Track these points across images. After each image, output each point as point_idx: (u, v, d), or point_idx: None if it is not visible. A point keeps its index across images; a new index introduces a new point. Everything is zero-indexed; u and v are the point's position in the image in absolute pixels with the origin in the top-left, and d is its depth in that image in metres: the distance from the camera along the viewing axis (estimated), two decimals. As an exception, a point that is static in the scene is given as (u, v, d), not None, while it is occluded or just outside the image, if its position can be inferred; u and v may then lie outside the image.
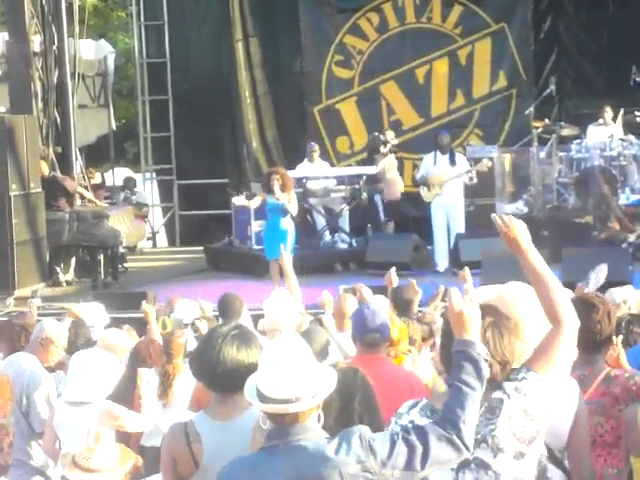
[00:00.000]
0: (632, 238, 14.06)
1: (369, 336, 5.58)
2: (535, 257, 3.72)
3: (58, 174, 15.10)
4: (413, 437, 3.33)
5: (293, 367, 3.36)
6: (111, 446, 4.19)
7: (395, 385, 4.98)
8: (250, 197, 15.90)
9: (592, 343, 4.69)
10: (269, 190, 12.91)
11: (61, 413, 6.02)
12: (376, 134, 16.37)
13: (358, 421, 3.76)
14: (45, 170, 14.77)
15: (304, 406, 3.35)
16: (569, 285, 11.05)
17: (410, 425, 3.43)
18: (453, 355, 3.43)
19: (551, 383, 3.57)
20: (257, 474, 3.32)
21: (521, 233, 3.74)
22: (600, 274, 9.45)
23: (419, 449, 3.32)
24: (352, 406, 3.77)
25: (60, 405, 6.08)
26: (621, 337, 5.22)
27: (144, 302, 9.54)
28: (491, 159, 15.05)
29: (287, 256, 8.59)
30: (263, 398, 3.37)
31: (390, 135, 16.43)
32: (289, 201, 12.86)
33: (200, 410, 4.34)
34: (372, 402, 3.86)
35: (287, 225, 12.91)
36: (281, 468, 3.31)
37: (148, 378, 7.17)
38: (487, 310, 3.60)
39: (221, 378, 4.09)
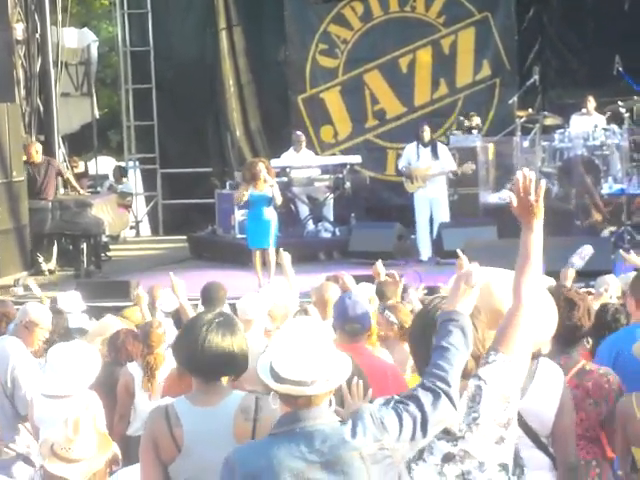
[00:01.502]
0: (614, 227, 14.12)
1: (350, 325, 5.61)
2: (538, 235, 3.61)
3: (53, 159, 15.06)
4: (412, 406, 3.35)
5: (311, 349, 3.34)
6: (90, 434, 4.17)
7: (373, 375, 4.99)
8: (234, 187, 15.92)
9: (571, 337, 4.74)
10: (253, 179, 12.88)
11: (41, 407, 6.01)
12: (461, 118, 16.13)
13: None
14: (38, 154, 14.68)
15: (320, 389, 3.34)
16: (552, 274, 11.16)
17: (404, 395, 3.43)
18: (440, 322, 3.45)
19: (519, 362, 3.58)
20: (276, 459, 3.28)
21: (541, 203, 3.55)
22: (584, 252, 9.48)
23: (419, 417, 3.34)
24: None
25: (39, 399, 6.07)
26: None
27: (140, 287, 9.50)
28: (474, 150, 15.06)
29: (286, 255, 8.63)
30: (278, 378, 3.35)
31: (476, 120, 16.09)
32: (274, 190, 12.86)
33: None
34: (365, 384, 3.91)
35: (270, 215, 12.90)
36: (301, 452, 3.29)
37: (133, 371, 7.17)
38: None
39: (205, 365, 4.08)
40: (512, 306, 3.62)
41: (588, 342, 5.36)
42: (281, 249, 9.02)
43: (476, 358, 3.56)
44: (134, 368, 7.18)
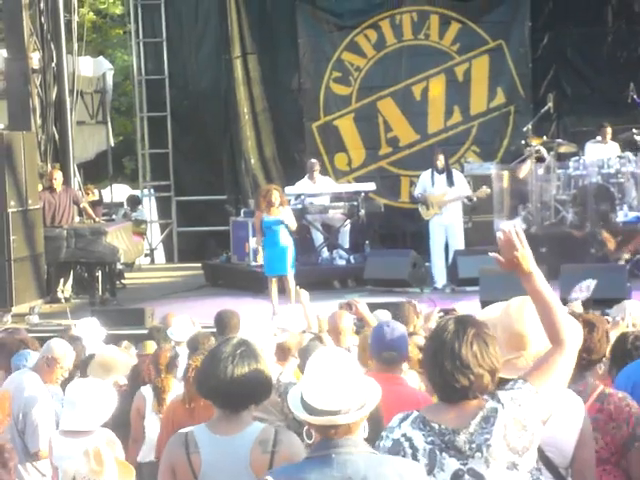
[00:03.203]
0: (629, 255, 14.08)
1: (387, 353, 5.53)
2: (539, 279, 3.66)
3: (69, 187, 15.14)
4: None
5: (341, 378, 3.33)
6: (112, 464, 4.16)
7: (406, 405, 4.96)
8: (249, 214, 15.94)
9: (587, 361, 4.73)
10: (266, 206, 12.90)
11: (59, 445, 5.98)
12: (522, 142, 15.80)
13: None
14: (58, 181, 14.75)
15: (353, 418, 3.33)
16: (567, 301, 11.13)
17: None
18: None
19: (546, 396, 3.56)
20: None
21: (528, 253, 3.62)
22: (584, 285, 9.46)
23: None
24: None
25: (57, 437, 6.05)
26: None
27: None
28: (489, 178, 15.03)
29: (304, 293, 8.65)
30: (311, 410, 3.33)
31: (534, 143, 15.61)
32: (288, 216, 12.88)
33: (174, 429, 4.32)
34: (376, 412, 3.89)
35: (286, 241, 12.91)
36: (332, 477, 3.28)
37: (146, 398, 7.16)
38: (469, 322, 3.60)
39: (232, 397, 4.07)
40: (552, 347, 3.61)
41: (600, 368, 5.33)
42: (300, 289, 8.99)
43: (492, 373, 3.54)
44: (147, 391, 7.19)
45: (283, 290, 12.80)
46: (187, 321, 9.27)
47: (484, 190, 14.66)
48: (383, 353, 5.53)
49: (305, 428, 3.40)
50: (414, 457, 3.53)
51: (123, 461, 4.45)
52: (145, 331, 10.27)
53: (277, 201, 12.84)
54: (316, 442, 3.38)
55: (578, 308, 7.89)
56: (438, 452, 3.51)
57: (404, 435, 3.56)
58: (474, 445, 3.48)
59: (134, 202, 19.76)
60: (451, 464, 3.50)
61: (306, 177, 15.86)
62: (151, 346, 8.40)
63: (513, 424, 3.50)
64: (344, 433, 3.34)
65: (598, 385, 4.76)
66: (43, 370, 6.91)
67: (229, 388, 4.05)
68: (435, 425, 3.54)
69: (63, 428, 5.97)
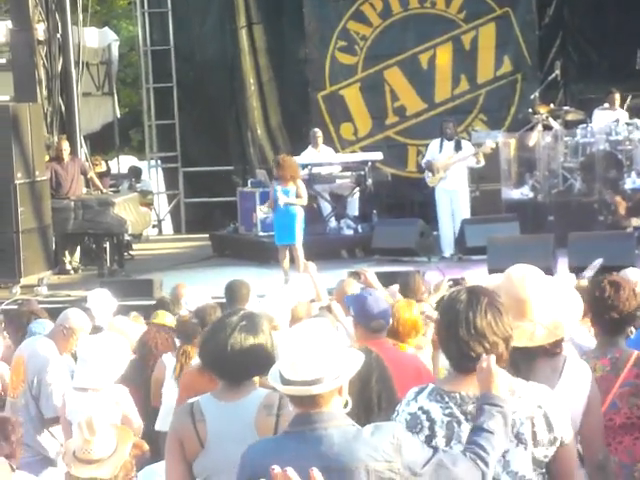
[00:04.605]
0: (637, 222, 14.05)
1: (376, 322, 5.64)
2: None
3: (77, 157, 15.15)
4: (447, 459, 3.32)
5: (314, 349, 3.31)
6: (107, 431, 4.18)
7: (402, 368, 5.01)
8: (256, 184, 15.95)
9: (618, 323, 4.73)
10: (278, 177, 12.91)
11: (71, 400, 6.04)
12: (529, 110, 15.54)
13: (376, 400, 3.82)
14: (66, 152, 14.76)
15: (326, 388, 3.30)
16: (575, 269, 11.12)
17: (444, 449, 3.40)
18: (482, 406, 3.42)
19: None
20: (282, 459, 3.23)
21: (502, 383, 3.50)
22: (595, 263, 9.54)
23: (446, 471, 3.30)
24: (370, 385, 3.82)
25: (70, 393, 6.10)
26: None
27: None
28: (496, 143, 14.96)
29: (312, 266, 8.68)
30: (284, 381, 3.33)
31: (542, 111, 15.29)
32: (299, 189, 12.86)
33: (189, 396, 4.34)
34: (389, 381, 3.92)
35: (296, 209, 12.90)
36: (307, 455, 3.25)
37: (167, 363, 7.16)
38: (481, 291, 3.61)
39: (232, 368, 4.09)
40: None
41: (631, 332, 5.31)
42: (307, 262, 9.00)
43: (505, 340, 3.54)
44: (168, 358, 7.18)
45: (292, 260, 12.81)
46: (201, 291, 9.30)
47: (489, 145, 14.51)
48: (372, 323, 5.65)
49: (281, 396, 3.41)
50: (431, 429, 3.53)
51: (121, 426, 4.47)
52: (154, 302, 10.29)
53: (287, 173, 12.82)
54: (294, 415, 3.36)
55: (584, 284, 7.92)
56: (456, 424, 3.52)
57: (421, 408, 3.56)
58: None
59: (136, 173, 19.75)
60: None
61: (310, 146, 15.84)
62: (163, 316, 8.43)
63: (541, 417, 3.53)
64: (317, 404, 3.30)
65: (634, 351, 4.75)
66: (59, 339, 6.94)
67: (229, 359, 4.06)
68: (456, 395, 3.54)
69: (75, 385, 6.02)
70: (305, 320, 3.96)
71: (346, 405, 3.36)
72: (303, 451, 3.27)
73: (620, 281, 4.88)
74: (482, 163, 14.60)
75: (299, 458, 3.21)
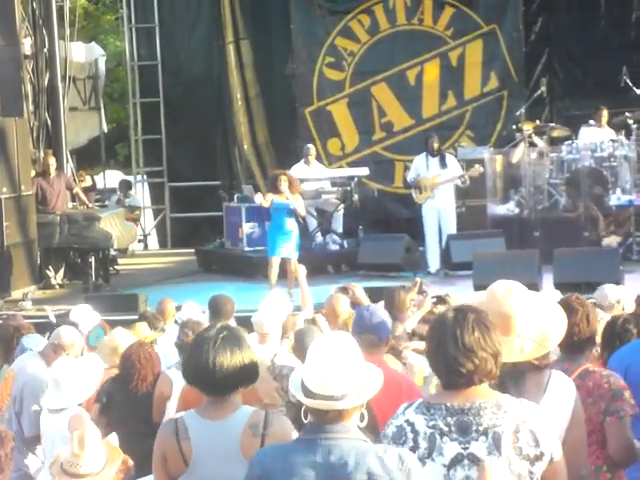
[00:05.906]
0: (621, 239, 14.10)
1: (365, 336, 5.56)
2: None
3: (63, 172, 15.13)
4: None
5: (341, 363, 3.34)
6: (97, 447, 4.16)
7: (389, 388, 4.99)
8: (242, 200, 15.92)
9: (572, 343, 4.70)
10: (276, 190, 12.91)
11: (44, 421, 6.03)
12: (514, 127, 15.59)
13: None
14: (53, 167, 14.74)
15: (350, 403, 3.34)
16: (561, 286, 11.14)
17: None
18: None
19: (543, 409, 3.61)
20: (291, 465, 3.29)
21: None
22: None
23: None
24: None
25: (45, 414, 6.09)
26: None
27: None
28: (482, 162, 14.98)
29: (301, 269, 8.68)
30: (309, 393, 3.35)
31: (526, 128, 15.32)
32: (297, 202, 12.90)
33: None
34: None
35: (292, 226, 12.91)
36: (315, 463, 3.30)
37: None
38: (469, 309, 3.63)
39: (215, 383, 4.07)
40: None
41: (597, 351, 5.32)
42: (299, 264, 9.03)
43: (494, 356, 3.55)
44: (173, 373, 7.11)
45: (282, 274, 12.78)
46: (195, 307, 9.27)
47: (476, 169, 14.58)
48: (362, 335, 5.57)
49: (303, 408, 3.41)
50: (415, 441, 3.55)
51: (111, 444, 4.45)
52: (136, 317, 10.24)
53: (284, 186, 12.83)
54: (308, 422, 3.39)
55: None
56: (438, 436, 3.53)
57: (407, 420, 3.58)
58: (481, 427, 3.51)
59: (126, 187, 19.72)
60: (451, 448, 3.52)
61: (302, 162, 15.83)
62: (140, 328, 8.37)
63: (527, 432, 3.52)
64: (337, 418, 3.35)
65: (585, 364, 4.75)
66: (49, 355, 6.94)
67: (212, 374, 4.05)
68: (442, 406, 3.56)
69: (46, 406, 6.02)
70: (329, 333, 3.94)
71: (362, 419, 3.41)
72: (312, 458, 3.31)
73: (574, 304, 4.80)
74: (468, 183, 14.66)
75: (307, 465, 3.28)
